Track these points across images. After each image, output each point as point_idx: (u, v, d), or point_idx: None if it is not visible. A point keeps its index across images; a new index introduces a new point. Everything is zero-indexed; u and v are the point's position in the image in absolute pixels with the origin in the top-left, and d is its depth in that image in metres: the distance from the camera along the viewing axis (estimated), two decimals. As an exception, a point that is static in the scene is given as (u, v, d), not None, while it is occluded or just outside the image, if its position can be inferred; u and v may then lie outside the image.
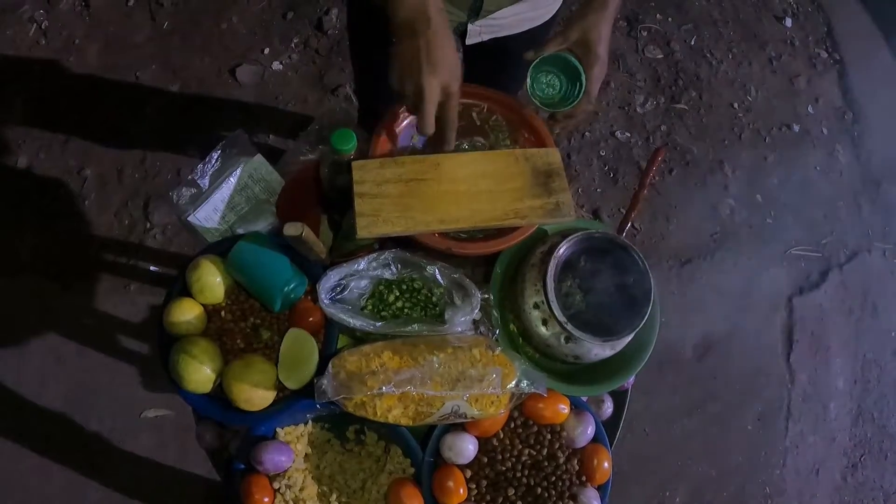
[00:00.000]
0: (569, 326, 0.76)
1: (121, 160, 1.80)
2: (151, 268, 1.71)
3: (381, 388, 0.70)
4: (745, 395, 1.81)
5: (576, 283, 0.83)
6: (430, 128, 0.75)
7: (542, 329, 0.80)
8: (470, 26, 0.98)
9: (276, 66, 1.92)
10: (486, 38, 1.01)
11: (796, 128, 2.12)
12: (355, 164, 0.82)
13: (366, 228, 0.78)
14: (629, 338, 0.82)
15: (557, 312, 0.76)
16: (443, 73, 0.72)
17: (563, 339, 0.79)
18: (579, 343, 0.79)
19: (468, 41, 1.00)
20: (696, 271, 1.90)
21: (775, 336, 1.88)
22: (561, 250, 0.79)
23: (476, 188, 0.82)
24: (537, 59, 0.86)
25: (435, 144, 0.80)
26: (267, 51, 1.94)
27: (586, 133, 1.97)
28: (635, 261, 0.82)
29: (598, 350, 0.80)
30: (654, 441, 1.72)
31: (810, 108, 2.15)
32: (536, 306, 0.80)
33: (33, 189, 1.77)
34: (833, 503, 1.79)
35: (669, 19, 2.17)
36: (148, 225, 1.74)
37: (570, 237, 0.81)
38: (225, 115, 1.85)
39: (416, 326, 0.76)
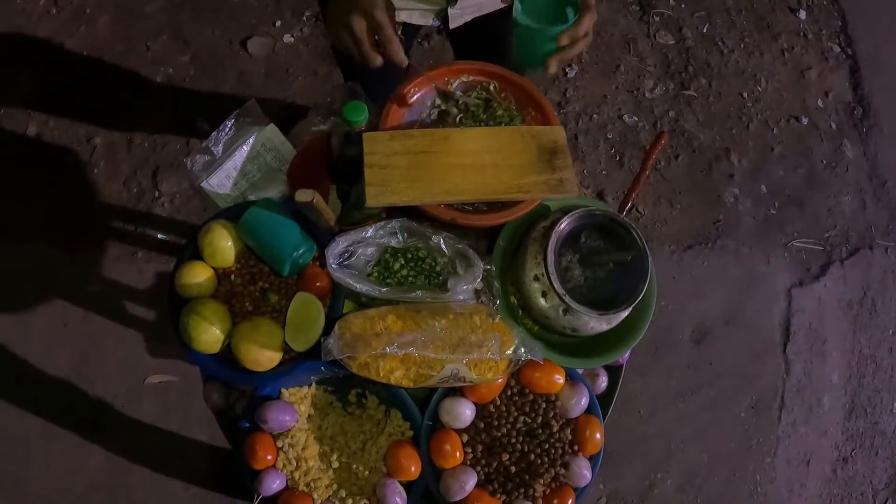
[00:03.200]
0: (567, 298, 0.78)
1: (130, 130, 1.82)
2: (159, 236, 1.73)
3: (385, 349, 0.72)
4: (739, 382, 1.83)
5: (575, 258, 0.86)
6: (375, 60, 0.81)
7: (542, 301, 0.82)
8: (450, 10, 0.98)
9: (287, 38, 1.93)
10: (468, 18, 1.01)
11: (805, 120, 2.12)
12: (366, 135, 0.84)
13: (375, 198, 0.80)
14: (625, 313, 0.84)
15: (556, 284, 0.78)
16: (361, 7, 0.77)
17: (561, 312, 0.81)
18: (576, 316, 0.81)
19: (452, 25, 1.01)
20: (697, 257, 1.91)
21: (773, 326, 1.90)
22: (562, 225, 0.81)
23: (482, 162, 0.84)
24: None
25: (393, 67, 0.83)
26: (278, 23, 1.94)
27: (594, 115, 1.98)
28: (634, 239, 0.84)
29: (595, 323, 0.83)
30: (648, 423, 1.75)
31: (820, 102, 2.15)
32: (536, 278, 0.82)
33: (42, 157, 1.79)
34: (822, 495, 1.81)
35: (682, 6, 2.16)
36: (156, 194, 1.76)
37: (571, 213, 0.82)
38: (235, 86, 1.86)
39: (419, 293, 0.79)
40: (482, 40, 1.11)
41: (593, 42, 2.06)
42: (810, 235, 2.00)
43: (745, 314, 1.89)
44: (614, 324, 0.85)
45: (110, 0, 1.93)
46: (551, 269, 0.79)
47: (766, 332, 1.89)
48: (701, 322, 1.86)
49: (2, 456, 1.55)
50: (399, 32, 0.91)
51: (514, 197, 0.84)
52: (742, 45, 2.16)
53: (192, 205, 1.75)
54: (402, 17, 0.98)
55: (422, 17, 0.99)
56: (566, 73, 2.02)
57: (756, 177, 2.03)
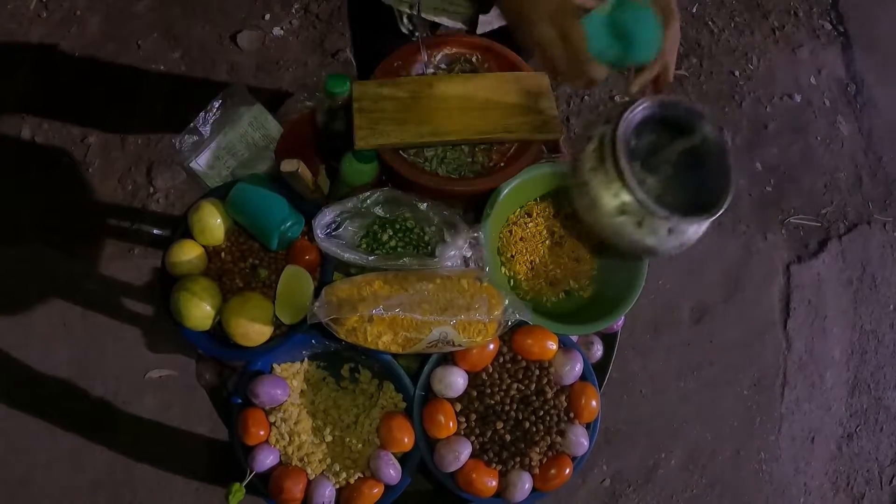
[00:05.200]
0: (653, 207, 0.64)
1: (124, 128, 1.82)
2: (155, 231, 1.74)
3: (371, 312, 0.72)
4: (741, 360, 1.82)
5: (637, 165, 0.70)
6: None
7: (621, 219, 0.67)
8: (481, 17, 0.98)
9: (277, 31, 1.93)
10: (496, 25, 1.01)
11: (798, 98, 2.11)
12: (356, 83, 0.86)
13: (363, 140, 0.81)
14: (707, 221, 0.71)
15: (640, 195, 0.64)
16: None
17: (635, 225, 0.67)
18: (656, 227, 0.67)
19: (479, 31, 1.00)
20: (693, 236, 1.90)
21: (772, 303, 1.89)
22: (637, 110, 0.67)
23: (468, 105, 0.85)
24: (609, 5, 0.67)
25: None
26: (267, 16, 1.95)
27: (585, 97, 1.97)
28: (703, 118, 0.71)
29: (685, 235, 0.70)
30: (649, 403, 1.74)
31: (812, 79, 2.15)
32: (616, 195, 0.66)
33: (37, 159, 1.79)
34: (828, 472, 1.80)
35: (671, -13, 2.16)
36: (151, 189, 1.77)
37: (636, 105, 0.68)
38: (227, 81, 1.87)
39: (407, 260, 0.78)
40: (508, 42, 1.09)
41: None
42: (807, 212, 1.99)
43: (744, 291, 1.88)
44: (700, 233, 0.72)
45: (100, 1, 1.94)
46: (626, 171, 0.64)
47: (766, 309, 1.88)
48: (700, 300, 1.85)
49: (6, 457, 1.55)
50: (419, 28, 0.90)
51: (500, 137, 0.84)
52: (732, 24, 2.15)
53: (186, 199, 1.75)
54: (429, 15, 0.97)
55: (449, 20, 0.98)
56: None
57: (750, 154, 2.02)
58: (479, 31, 1.00)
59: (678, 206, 0.68)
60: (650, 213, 0.66)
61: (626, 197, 0.67)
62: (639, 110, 0.69)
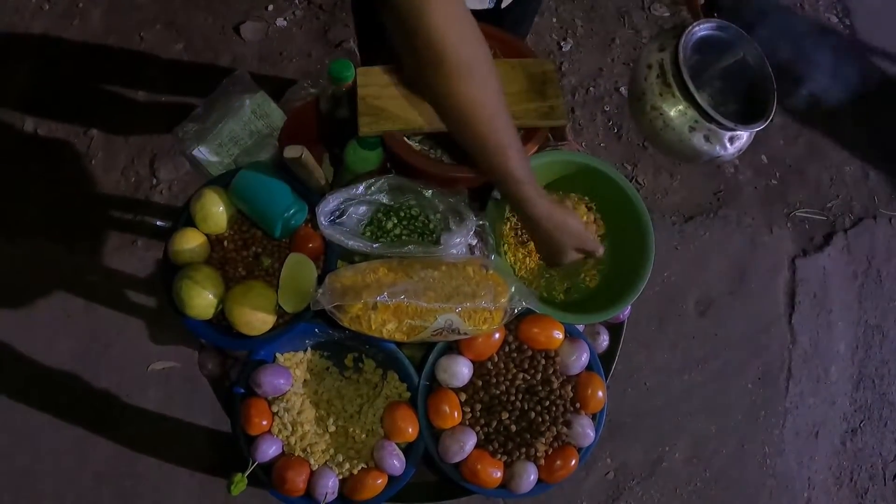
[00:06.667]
0: (722, 121, 0.73)
1: (127, 119, 1.81)
2: (158, 223, 1.73)
3: (376, 299, 0.71)
4: (745, 353, 1.81)
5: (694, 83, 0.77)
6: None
7: (692, 136, 0.76)
8: None
9: (280, 22, 1.93)
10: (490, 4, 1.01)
11: (804, 91, 2.10)
12: (360, 69, 0.85)
13: (367, 126, 0.81)
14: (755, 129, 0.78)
15: (712, 113, 0.73)
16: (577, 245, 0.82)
17: (695, 133, 0.76)
18: (723, 138, 0.76)
19: (504, 4, 1.00)
20: (699, 228, 1.90)
21: (777, 296, 1.88)
22: (696, 28, 0.75)
23: None
24: None
25: None
26: (271, 7, 1.94)
27: (590, 88, 1.96)
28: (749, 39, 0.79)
29: (741, 141, 0.77)
30: (654, 395, 1.74)
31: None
32: (686, 115, 0.75)
33: (40, 152, 1.78)
34: (831, 467, 1.80)
35: (677, -22, 2.15)
36: (154, 181, 1.76)
37: (693, 28, 0.75)
38: (229, 71, 1.85)
39: (411, 248, 0.77)
40: (508, 14, 1.10)
41: (587, 15, 2.05)
42: (813, 205, 1.98)
43: (749, 285, 1.87)
44: (743, 146, 0.79)
45: (102, -7, 1.94)
46: (697, 94, 0.73)
47: (771, 302, 1.87)
48: (705, 293, 1.84)
49: (10, 450, 1.55)
50: None
51: None
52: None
53: (190, 190, 1.73)
54: None
55: (479, 2, 0.97)
56: (561, 47, 2.01)
57: (756, 147, 1.98)
58: (504, 3, 0.99)
59: (731, 116, 0.76)
60: (719, 126, 0.75)
61: (697, 117, 0.75)
62: (697, 31, 0.77)
